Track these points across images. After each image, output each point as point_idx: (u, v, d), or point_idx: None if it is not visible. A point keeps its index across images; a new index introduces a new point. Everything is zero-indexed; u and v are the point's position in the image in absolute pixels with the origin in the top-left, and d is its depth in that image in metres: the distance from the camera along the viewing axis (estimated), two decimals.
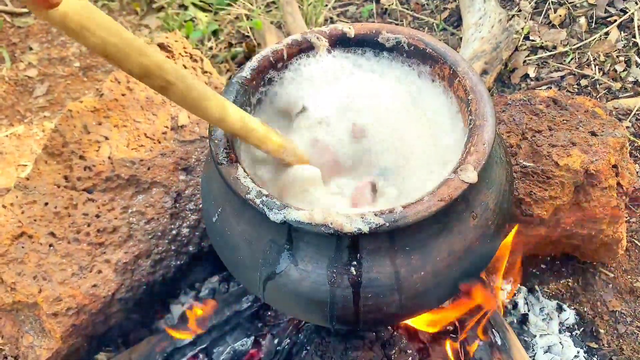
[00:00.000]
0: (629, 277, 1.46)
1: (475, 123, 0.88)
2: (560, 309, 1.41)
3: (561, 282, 1.47)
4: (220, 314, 1.33)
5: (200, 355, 1.30)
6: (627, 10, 1.91)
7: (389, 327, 1.11)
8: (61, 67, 2.17)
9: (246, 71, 1.00)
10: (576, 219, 1.27)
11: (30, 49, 2.23)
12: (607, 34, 1.90)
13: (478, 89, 0.92)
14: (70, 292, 1.16)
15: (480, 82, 0.94)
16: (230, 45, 2.15)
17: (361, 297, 0.86)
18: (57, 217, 1.22)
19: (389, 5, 2.21)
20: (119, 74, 1.36)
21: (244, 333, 1.33)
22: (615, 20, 1.90)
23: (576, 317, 1.41)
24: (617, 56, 1.85)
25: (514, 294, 1.41)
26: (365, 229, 0.79)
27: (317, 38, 1.06)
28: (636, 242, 1.51)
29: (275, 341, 1.23)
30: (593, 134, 1.28)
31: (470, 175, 0.82)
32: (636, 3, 1.91)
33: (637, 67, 1.81)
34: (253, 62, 1.02)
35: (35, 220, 1.21)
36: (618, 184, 1.26)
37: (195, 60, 1.44)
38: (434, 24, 2.13)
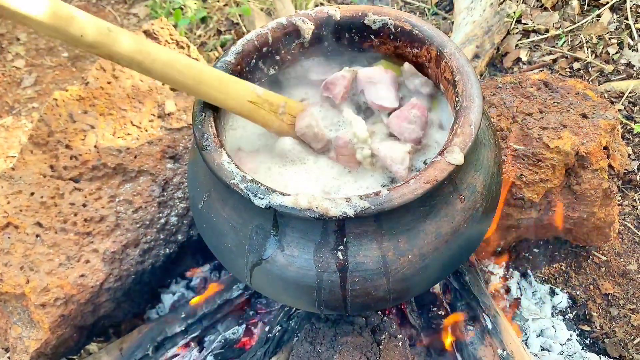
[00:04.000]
0: (621, 260, 1.45)
1: (462, 104, 0.87)
2: (552, 293, 1.41)
3: (554, 266, 1.46)
4: (212, 302, 1.32)
5: (192, 344, 1.29)
6: None
7: (379, 312, 1.10)
8: (49, 57, 2.15)
9: (230, 55, 0.99)
10: (567, 202, 1.26)
11: (18, 39, 2.21)
12: (599, 16, 1.88)
13: (465, 70, 0.91)
14: (57, 283, 1.15)
15: (467, 63, 0.92)
16: (220, 32, 2.12)
17: (348, 282, 0.85)
18: (44, 207, 1.21)
19: None
20: (105, 62, 1.34)
21: (235, 321, 1.32)
22: (608, 2, 1.89)
23: (569, 300, 1.40)
24: (610, 38, 1.84)
25: (507, 279, 1.40)
26: (351, 213, 0.78)
27: (303, 21, 1.04)
28: (628, 225, 1.51)
29: (267, 329, 1.23)
30: (584, 116, 1.27)
31: (457, 157, 0.80)
32: None
33: (629, 49, 1.79)
34: (237, 46, 1.01)
35: (21, 211, 1.20)
36: (609, 165, 1.26)
37: (182, 47, 1.42)
38: (426, 9, 2.11)
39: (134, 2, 2.31)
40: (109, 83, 1.32)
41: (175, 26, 2.04)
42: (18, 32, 2.23)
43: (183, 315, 1.29)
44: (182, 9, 2.15)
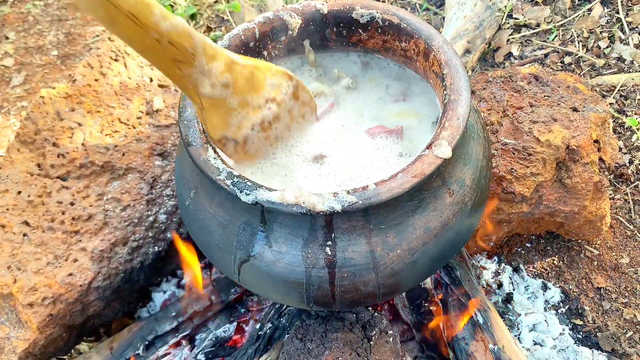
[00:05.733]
0: (613, 254, 1.45)
1: (450, 97, 0.86)
2: (545, 288, 1.40)
3: (546, 260, 1.46)
4: (202, 300, 1.31)
5: (183, 342, 1.29)
6: None
7: (369, 308, 1.10)
8: (38, 56, 2.13)
9: None
10: (559, 196, 1.25)
11: (7, 38, 2.19)
12: (590, 10, 1.88)
13: (453, 63, 0.90)
14: (45, 282, 1.14)
15: (455, 56, 0.91)
16: (210, 29, 2.11)
17: (337, 277, 0.84)
18: (31, 206, 1.20)
19: None
20: (92, 59, 1.33)
21: (227, 319, 1.32)
22: None
23: (561, 295, 1.40)
24: (601, 32, 1.83)
25: (499, 273, 1.40)
26: (338, 208, 0.77)
27: (290, 15, 1.03)
28: (620, 218, 1.50)
29: (257, 326, 1.22)
30: (574, 109, 1.26)
31: (445, 151, 0.80)
32: None
33: (620, 43, 1.79)
34: (224, 41, 0.99)
35: (7, 210, 1.19)
36: (600, 159, 1.25)
37: None
38: (417, 4, 2.10)
39: None
40: (96, 80, 1.31)
41: None
42: (6, 30, 2.21)
43: (174, 314, 1.28)
44: (172, 6, 2.14)
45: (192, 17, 2.13)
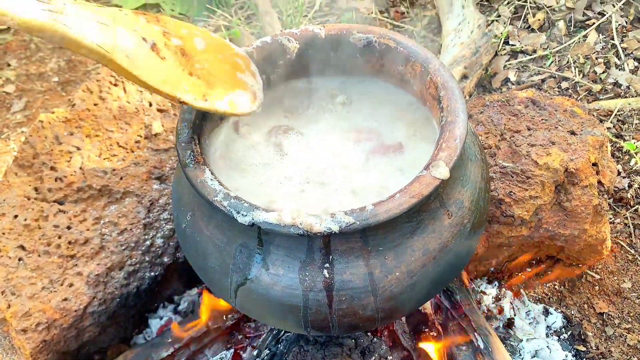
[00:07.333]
0: (615, 278, 1.44)
1: (446, 119, 0.86)
2: (546, 313, 1.39)
3: (547, 285, 1.44)
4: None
5: None
6: (605, 13, 1.92)
7: (369, 334, 1.08)
8: (39, 82, 2.15)
9: None
10: (558, 219, 1.25)
11: (9, 65, 2.21)
12: (585, 36, 1.90)
13: (449, 85, 0.90)
14: (40, 307, 1.12)
15: (451, 79, 0.92)
16: None
17: (335, 301, 0.83)
18: (27, 230, 1.19)
19: (369, 14, 2.21)
20: (91, 84, 1.34)
21: (224, 346, 1.29)
22: (594, 23, 1.91)
23: (563, 320, 1.38)
24: (597, 58, 1.85)
25: (499, 298, 1.38)
26: (336, 229, 0.76)
27: (288, 40, 1.04)
28: (621, 242, 1.49)
29: (255, 353, 1.20)
30: (572, 132, 1.26)
31: (442, 171, 0.79)
32: (613, 6, 1.92)
33: (616, 68, 1.81)
34: None
35: (3, 234, 1.18)
36: (599, 182, 1.25)
37: None
38: (414, 32, 2.13)
39: None
40: (95, 105, 1.31)
41: None
42: (9, 57, 2.23)
43: (170, 340, 1.26)
44: None
45: None
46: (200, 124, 0.92)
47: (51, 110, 1.95)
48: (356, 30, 1.03)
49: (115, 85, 1.35)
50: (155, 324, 1.38)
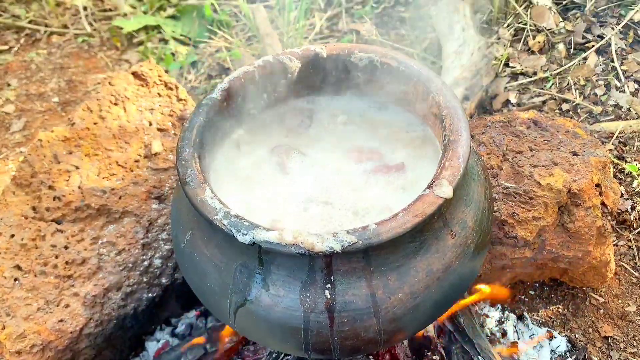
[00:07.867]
0: (619, 301, 1.42)
1: (449, 138, 0.85)
2: (551, 336, 1.36)
3: (551, 308, 1.42)
4: (197, 349, 1.27)
5: None
6: (604, 36, 1.93)
7: (371, 357, 1.06)
8: (39, 102, 2.15)
9: (216, 92, 0.98)
10: (562, 241, 1.23)
11: (9, 85, 2.21)
12: (585, 59, 1.91)
13: (452, 104, 0.90)
14: (35, 328, 1.10)
15: (454, 98, 0.91)
16: (210, 77, 2.14)
17: (336, 322, 0.81)
18: (24, 249, 1.17)
19: (369, 37, 2.22)
20: (91, 103, 1.33)
21: None
22: (593, 46, 1.92)
23: (568, 344, 1.35)
24: (597, 80, 1.86)
25: (503, 322, 1.36)
26: (338, 248, 0.75)
27: (289, 59, 1.04)
28: (625, 265, 1.48)
29: None
30: (574, 153, 1.26)
31: (445, 190, 0.78)
32: (612, 29, 1.93)
33: (616, 90, 1.81)
34: (224, 84, 1.00)
35: (0, 253, 1.16)
36: (602, 203, 1.24)
37: (171, 89, 1.41)
38: (415, 54, 2.14)
39: (126, 49, 2.34)
40: (95, 124, 1.31)
41: (167, 71, 2.05)
42: (9, 77, 2.24)
43: None
44: (173, 54, 2.17)
45: (193, 65, 2.16)
46: (201, 142, 0.92)
47: (50, 129, 1.95)
48: (358, 50, 1.03)
49: (116, 104, 1.34)
50: (152, 346, 1.35)
